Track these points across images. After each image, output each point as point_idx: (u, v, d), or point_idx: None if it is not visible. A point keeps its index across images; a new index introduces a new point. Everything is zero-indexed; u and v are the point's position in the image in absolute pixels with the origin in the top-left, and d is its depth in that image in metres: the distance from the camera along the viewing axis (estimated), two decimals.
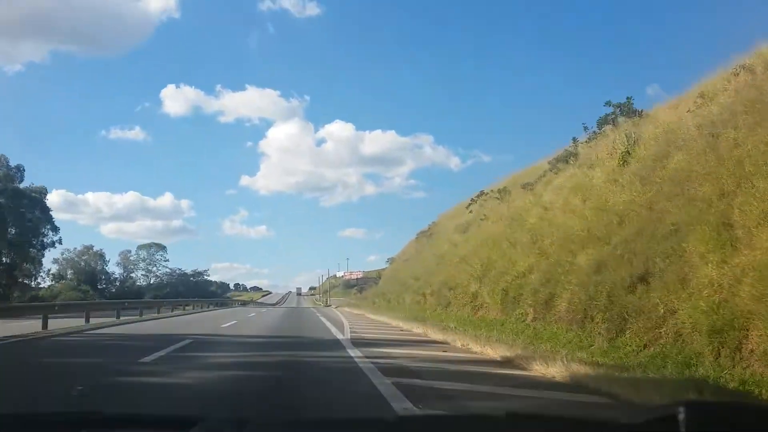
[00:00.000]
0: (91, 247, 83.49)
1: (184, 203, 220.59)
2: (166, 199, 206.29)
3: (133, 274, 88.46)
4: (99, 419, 1.29)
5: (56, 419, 1.40)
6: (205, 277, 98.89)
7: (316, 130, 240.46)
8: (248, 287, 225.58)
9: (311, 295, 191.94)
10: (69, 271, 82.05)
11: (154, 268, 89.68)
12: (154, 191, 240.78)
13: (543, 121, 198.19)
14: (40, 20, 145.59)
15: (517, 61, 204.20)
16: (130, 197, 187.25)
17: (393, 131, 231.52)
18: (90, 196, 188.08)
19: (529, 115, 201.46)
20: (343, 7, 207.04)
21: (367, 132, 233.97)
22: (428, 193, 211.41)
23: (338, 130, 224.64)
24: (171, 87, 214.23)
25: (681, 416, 1.03)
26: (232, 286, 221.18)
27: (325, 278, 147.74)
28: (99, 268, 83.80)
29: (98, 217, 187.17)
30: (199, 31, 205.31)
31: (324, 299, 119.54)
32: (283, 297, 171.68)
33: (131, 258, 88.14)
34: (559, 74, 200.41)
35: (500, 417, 1.18)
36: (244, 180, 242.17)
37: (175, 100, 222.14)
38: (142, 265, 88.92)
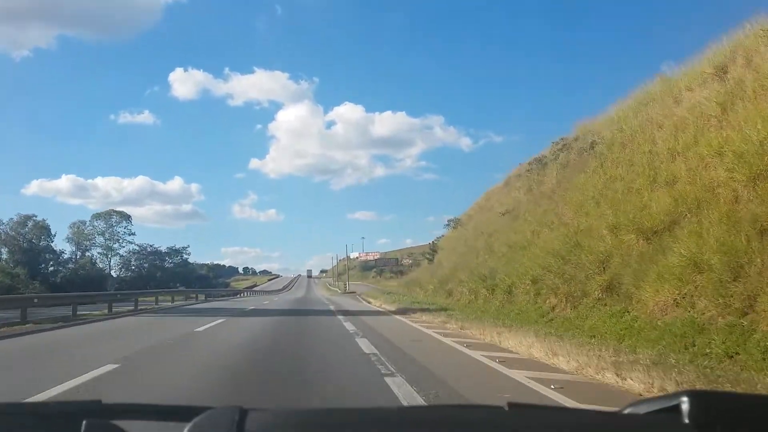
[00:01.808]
0: (32, 216, 62.44)
1: (194, 187, 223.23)
2: (176, 183, 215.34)
3: (89, 253, 67.02)
4: (99, 409, 1.23)
5: (55, 409, 1.34)
6: (185, 256, 77.28)
7: (326, 112, 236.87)
8: (257, 271, 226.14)
9: (321, 277, 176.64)
10: (3, 249, 61.35)
11: (116, 245, 68.04)
12: (164, 175, 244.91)
13: (554, 102, 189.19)
14: (47, 5, 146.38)
15: (529, 40, 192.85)
16: (139, 181, 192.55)
17: (403, 112, 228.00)
18: (99, 181, 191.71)
19: (541, 96, 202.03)
20: None
21: (377, 113, 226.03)
22: (439, 175, 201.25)
23: (348, 111, 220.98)
24: (179, 70, 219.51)
25: (684, 406, 1.00)
26: (240, 270, 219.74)
27: (338, 259, 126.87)
28: (43, 244, 62.74)
29: (108, 201, 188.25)
30: (207, 14, 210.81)
31: (341, 284, 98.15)
32: (291, 281, 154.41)
33: (86, 231, 66.62)
34: (569, 55, 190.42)
35: (501, 407, 1.12)
36: (254, 163, 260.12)
37: (184, 83, 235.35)
38: (99, 240, 67.31)
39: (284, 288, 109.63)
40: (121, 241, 68.33)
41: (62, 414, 1.25)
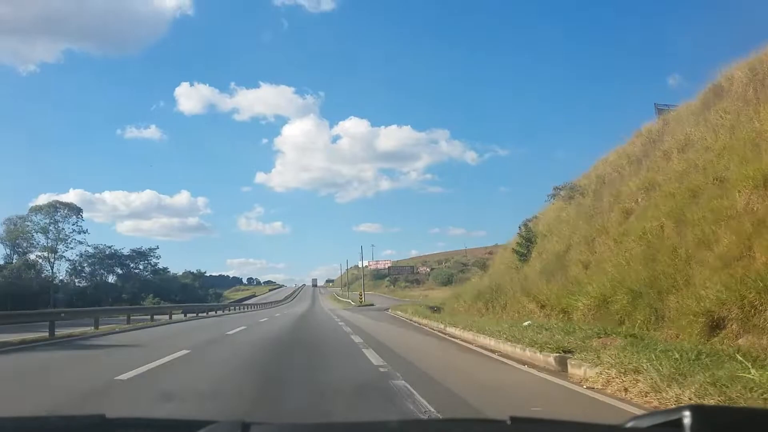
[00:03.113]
0: None
1: (201, 201, 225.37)
2: (183, 197, 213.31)
3: (32, 256, 51.13)
4: (102, 423, 1.23)
5: (58, 423, 1.37)
6: (154, 260, 60.73)
7: (332, 127, 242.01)
8: (262, 281, 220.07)
9: (328, 287, 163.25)
10: None
11: (62, 246, 51.85)
12: (171, 189, 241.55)
13: (559, 115, 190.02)
14: (53, 20, 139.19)
15: (535, 55, 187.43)
16: (147, 195, 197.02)
17: (408, 126, 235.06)
18: (107, 195, 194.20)
19: (547, 109, 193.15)
20: (358, 0, 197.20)
21: (383, 127, 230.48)
22: (445, 188, 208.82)
23: (353, 126, 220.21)
24: (185, 85, 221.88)
25: (686, 420, 1.00)
26: (245, 281, 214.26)
27: (347, 266, 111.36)
28: None
29: (115, 215, 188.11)
30: (213, 28, 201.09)
31: (353, 294, 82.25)
32: (294, 291, 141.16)
33: (23, 229, 50.57)
34: (577, 69, 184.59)
35: (504, 421, 1.13)
36: (260, 177, 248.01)
37: (190, 98, 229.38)
38: (41, 240, 51.25)
39: (285, 299, 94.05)
40: (68, 241, 52.34)
41: (65, 428, 1.24)
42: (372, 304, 54.23)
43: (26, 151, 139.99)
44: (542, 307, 15.92)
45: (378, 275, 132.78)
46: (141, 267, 57.95)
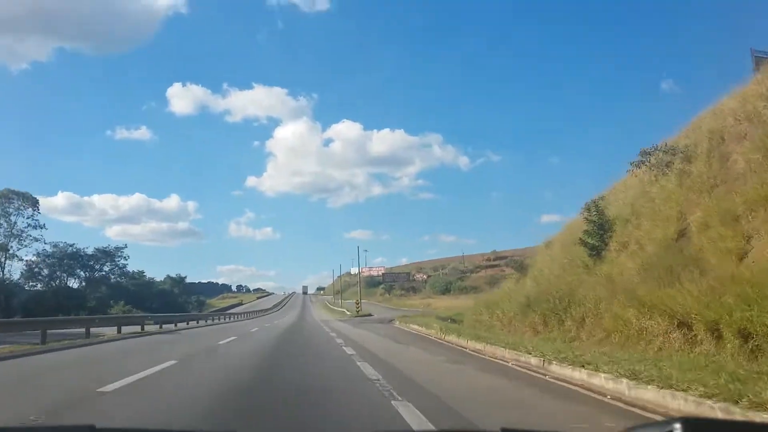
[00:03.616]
0: None
1: (191, 205, 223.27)
2: (173, 201, 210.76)
3: None
4: None
5: None
6: (123, 260, 53.46)
7: (324, 130, 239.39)
8: (251, 289, 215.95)
9: (318, 295, 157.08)
10: None
11: (15, 243, 44.61)
12: (161, 193, 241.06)
13: (555, 119, 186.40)
14: (46, 17, 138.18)
15: (527, 59, 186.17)
16: (136, 199, 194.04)
17: (401, 130, 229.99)
18: (96, 198, 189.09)
19: (542, 112, 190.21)
20: (353, 1, 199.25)
21: (375, 131, 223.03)
22: (436, 194, 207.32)
23: (346, 129, 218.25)
24: (177, 85, 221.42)
25: None
26: (234, 288, 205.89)
27: (340, 272, 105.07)
28: None
29: (103, 219, 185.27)
30: (206, 28, 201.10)
31: (346, 303, 75.83)
32: (283, 299, 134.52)
33: None
34: (567, 74, 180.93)
35: None
36: (251, 181, 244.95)
37: (182, 98, 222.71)
38: None
39: (273, 308, 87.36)
40: (23, 237, 45.16)
41: None
42: (370, 314, 47.90)
43: (15, 151, 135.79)
44: (681, 325, 9.74)
45: (371, 283, 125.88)
46: (107, 269, 50.85)
